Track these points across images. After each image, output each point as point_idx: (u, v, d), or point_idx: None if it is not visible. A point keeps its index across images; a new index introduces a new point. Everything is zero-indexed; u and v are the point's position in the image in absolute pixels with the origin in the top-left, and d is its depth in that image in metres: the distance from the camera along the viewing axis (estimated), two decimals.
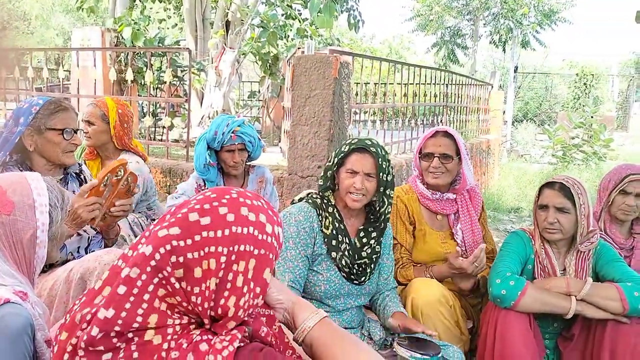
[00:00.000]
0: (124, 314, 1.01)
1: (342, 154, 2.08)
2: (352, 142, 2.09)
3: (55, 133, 2.16)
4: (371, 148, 2.04)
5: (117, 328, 1.01)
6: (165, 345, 1.02)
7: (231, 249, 1.05)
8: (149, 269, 1.04)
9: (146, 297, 1.03)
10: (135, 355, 1.01)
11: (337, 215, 2.10)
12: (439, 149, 2.53)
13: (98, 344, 1.00)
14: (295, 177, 3.92)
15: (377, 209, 2.12)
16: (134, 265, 1.05)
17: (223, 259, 1.04)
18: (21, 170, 2.12)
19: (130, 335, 1.02)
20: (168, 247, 1.04)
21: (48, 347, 1.23)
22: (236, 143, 2.86)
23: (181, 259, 1.04)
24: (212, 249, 1.04)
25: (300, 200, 2.18)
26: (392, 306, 2.16)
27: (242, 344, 1.06)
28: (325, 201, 2.12)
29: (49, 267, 2.12)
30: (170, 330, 1.03)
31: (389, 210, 2.14)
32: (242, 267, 1.05)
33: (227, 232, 1.06)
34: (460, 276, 2.35)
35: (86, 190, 2.02)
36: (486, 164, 8.34)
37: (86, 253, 2.21)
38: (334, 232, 2.06)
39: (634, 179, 2.53)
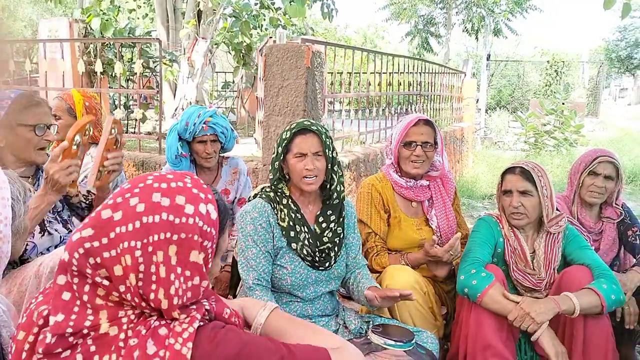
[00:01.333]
0: (73, 316, 1.00)
1: (285, 141, 2.06)
2: (292, 127, 2.07)
3: (26, 129, 2.05)
4: (312, 127, 2.04)
5: (69, 330, 0.99)
6: (122, 335, 0.99)
7: (145, 241, 1.00)
8: (75, 273, 1.01)
9: (85, 298, 1.01)
10: (93, 349, 0.99)
11: (292, 205, 2.08)
12: (422, 137, 2.52)
13: (54, 348, 0.99)
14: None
15: (329, 187, 2.11)
16: (60, 273, 1.03)
17: (138, 253, 0.99)
18: None
19: (85, 331, 1.00)
20: (81, 250, 1.00)
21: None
22: (208, 134, 2.84)
23: (98, 260, 1.00)
24: (126, 244, 0.99)
25: (255, 196, 2.15)
26: (365, 282, 2.14)
27: (202, 324, 1.04)
28: (279, 193, 2.09)
29: (20, 263, 2.07)
30: (125, 320, 1.01)
31: (340, 186, 2.12)
32: (161, 257, 1.00)
33: (137, 224, 1.00)
34: (436, 264, 2.37)
35: (58, 154, 1.88)
36: (460, 151, 8.42)
37: None
38: (291, 223, 2.04)
39: (603, 160, 2.58)
